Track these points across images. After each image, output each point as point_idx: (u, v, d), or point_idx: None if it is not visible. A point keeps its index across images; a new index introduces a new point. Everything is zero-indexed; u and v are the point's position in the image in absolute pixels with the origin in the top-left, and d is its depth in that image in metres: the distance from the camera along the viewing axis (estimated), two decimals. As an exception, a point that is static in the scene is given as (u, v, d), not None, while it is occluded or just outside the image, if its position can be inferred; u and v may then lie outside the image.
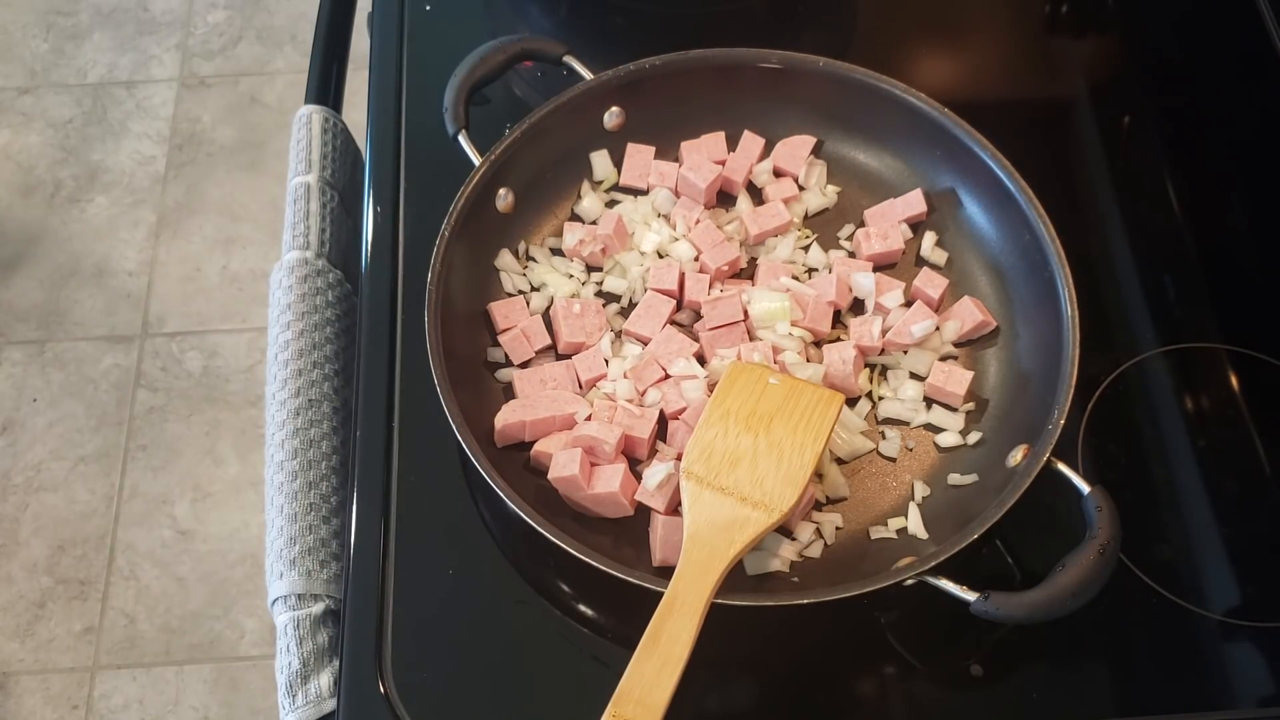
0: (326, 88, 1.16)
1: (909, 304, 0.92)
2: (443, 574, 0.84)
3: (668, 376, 0.89)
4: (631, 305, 0.94)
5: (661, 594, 0.74)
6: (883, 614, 0.82)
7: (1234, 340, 0.94)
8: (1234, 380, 0.93)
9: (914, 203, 0.96)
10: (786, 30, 1.12)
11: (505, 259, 0.95)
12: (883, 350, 0.91)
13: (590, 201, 0.98)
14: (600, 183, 1.00)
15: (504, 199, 0.95)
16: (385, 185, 1.00)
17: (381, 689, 0.79)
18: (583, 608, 0.83)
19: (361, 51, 1.13)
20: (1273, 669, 0.81)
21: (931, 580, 0.76)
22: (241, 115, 2.28)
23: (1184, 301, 0.98)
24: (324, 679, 0.83)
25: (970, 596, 0.75)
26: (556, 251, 0.97)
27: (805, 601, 0.75)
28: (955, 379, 0.88)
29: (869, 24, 1.15)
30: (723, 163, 0.98)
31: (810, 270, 0.95)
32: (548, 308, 0.94)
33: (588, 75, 0.97)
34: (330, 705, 0.82)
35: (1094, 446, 0.88)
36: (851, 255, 0.96)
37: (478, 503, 0.86)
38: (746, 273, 0.96)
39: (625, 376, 0.89)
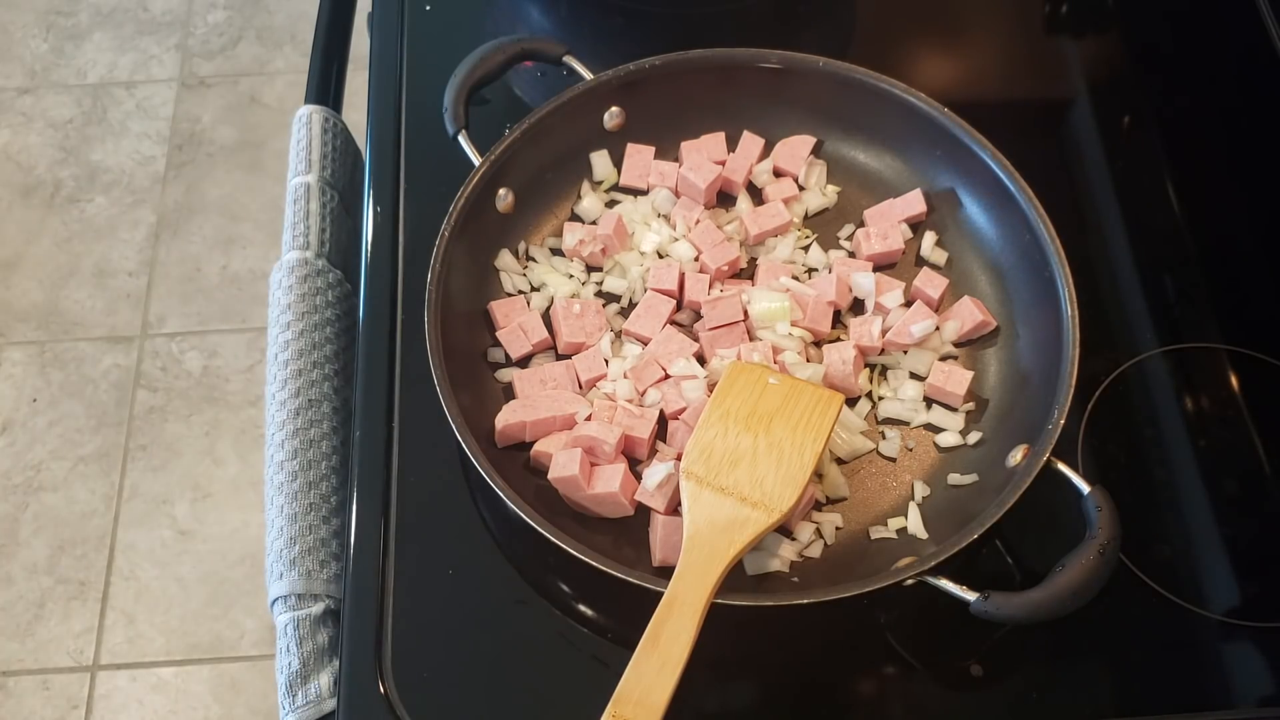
0: (326, 88, 1.16)
1: (909, 304, 0.92)
2: (443, 574, 0.84)
3: (668, 376, 0.89)
4: (631, 305, 0.94)
5: (661, 594, 0.74)
6: (883, 614, 0.82)
7: (1234, 340, 0.94)
8: (1234, 380, 0.93)
9: (914, 203, 0.96)
10: (786, 30, 1.12)
11: (505, 259, 0.95)
12: (883, 350, 0.91)
13: (590, 201, 0.98)
14: (600, 183, 1.00)
15: (504, 199, 0.95)
16: (385, 185, 1.00)
17: (381, 689, 0.79)
18: (583, 608, 0.83)
19: (361, 51, 1.13)
20: (1273, 669, 0.81)
21: (931, 580, 0.76)
22: (241, 115, 2.28)
23: (1184, 301, 0.97)
24: (324, 679, 0.83)
25: (970, 596, 0.75)
26: (556, 251, 0.97)
27: (805, 601, 0.75)
28: (955, 379, 0.88)
29: (869, 24, 1.15)
30: (723, 163, 0.98)
31: (810, 270, 0.95)
32: (548, 308, 0.94)
33: (588, 75, 0.97)
34: (330, 705, 0.82)
35: (1094, 446, 0.88)
36: (851, 255, 0.96)
37: (478, 503, 0.86)
38: (746, 273, 0.96)
39: (625, 376, 0.88)
